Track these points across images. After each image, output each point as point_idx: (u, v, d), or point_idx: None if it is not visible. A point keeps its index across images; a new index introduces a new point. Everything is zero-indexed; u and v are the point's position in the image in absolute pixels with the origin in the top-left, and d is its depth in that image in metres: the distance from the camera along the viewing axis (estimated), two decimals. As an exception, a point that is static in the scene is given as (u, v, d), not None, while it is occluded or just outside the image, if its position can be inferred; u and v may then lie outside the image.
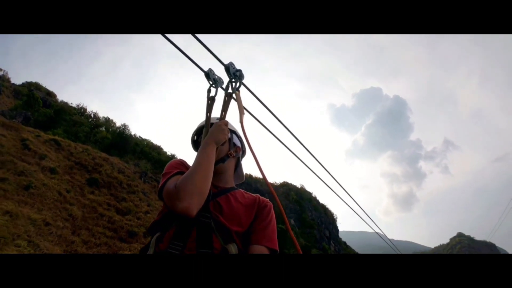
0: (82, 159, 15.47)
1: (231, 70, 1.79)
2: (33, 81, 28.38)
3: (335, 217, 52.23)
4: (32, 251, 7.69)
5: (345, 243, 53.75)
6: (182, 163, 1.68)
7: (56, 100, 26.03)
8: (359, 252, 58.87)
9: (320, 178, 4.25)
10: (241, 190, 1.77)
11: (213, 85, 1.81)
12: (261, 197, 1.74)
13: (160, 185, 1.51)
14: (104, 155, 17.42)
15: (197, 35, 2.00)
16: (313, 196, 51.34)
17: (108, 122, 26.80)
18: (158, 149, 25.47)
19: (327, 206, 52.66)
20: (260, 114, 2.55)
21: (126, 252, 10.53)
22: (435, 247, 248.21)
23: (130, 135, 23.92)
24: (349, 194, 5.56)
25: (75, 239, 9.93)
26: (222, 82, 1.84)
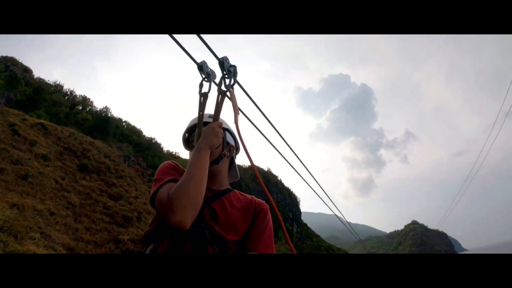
0: (70, 144, 15.07)
1: (226, 65, 1.55)
2: (8, 55, 26.52)
3: (298, 200, 53.66)
4: (46, 243, 7.71)
5: (306, 224, 55.61)
6: (175, 168, 1.51)
7: (32, 77, 24.64)
8: (318, 232, 60.61)
9: (284, 157, 4.00)
10: (236, 191, 1.63)
11: (206, 79, 1.60)
12: (257, 199, 1.61)
13: (152, 192, 1.37)
14: (89, 139, 17.00)
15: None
16: (279, 179, 52.56)
17: (85, 101, 25.84)
18: (138, 132, 24.97)
19: (291, 190, 54.14)
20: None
21: (125, 237, 10.66)
22: (390, 233, 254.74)
23: (112, 117, 23.36)
24: (313, 176, 5.48)
25: (78, 226, 9.93)
26: (215, 76, 1.63)
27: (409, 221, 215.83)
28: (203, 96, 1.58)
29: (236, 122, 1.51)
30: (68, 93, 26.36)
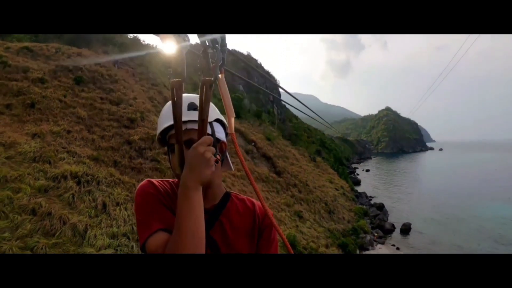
0: (59, 60, 14.89)
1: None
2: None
3: (278, 83, 52.47)
4: (75, 159, 8.76)
5: (285, 106, 55.41)
6: (156, 198, 1.12)
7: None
8: (295, 113, 59.74)
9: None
10: (232, 196, 1.28)
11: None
12: (258, 209, 1.27)
13: (140, 241, 1.07)
14: (75, 50, 16.56)
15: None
16: (259, 63, 50.70)
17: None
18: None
19: (271, 73, 52.65)
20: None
21: (135, 137, 11.71)
22: (364, 116, 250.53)
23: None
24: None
25: (93, 137, 10.91)
26: (188, 47, 0.98)
27: (383, 107, 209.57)
28: (176, 86, 0.99)
29: (231, 132, 1.13)
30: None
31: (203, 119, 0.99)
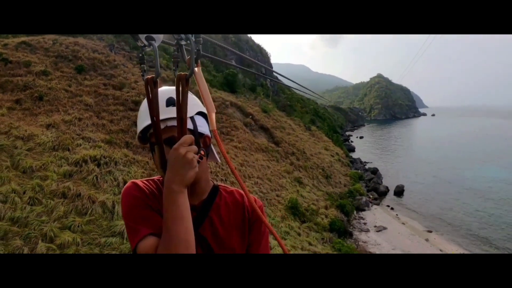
0: (58, 51, 14.67)
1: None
2: None
3: (269, 55, 50.46)
4: (91, 144, 9.01)
5: (276, 77, 53.58)
6: (141, 200, 1.05)
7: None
8: (287, 83, 58.99)
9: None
10: (220, 189, 1.21)
11: (147, 46, 0.90)
12: (247, 201, 1.20)
13: (131, 245, 1.00)
14: (72, 39, 16.30)
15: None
16: (249, 37, 49.28)
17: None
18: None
19: (262, 46, 50.75)
20: None
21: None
22: (356, 84, 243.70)
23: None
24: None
25: (103, 122, 11.12)
26: (160, 39, 0.92)
27: (375, 74, 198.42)
28: (151, 84, 0.94)
29: (213, 129, 1.01)
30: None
31: (181, 117, 0.92)
